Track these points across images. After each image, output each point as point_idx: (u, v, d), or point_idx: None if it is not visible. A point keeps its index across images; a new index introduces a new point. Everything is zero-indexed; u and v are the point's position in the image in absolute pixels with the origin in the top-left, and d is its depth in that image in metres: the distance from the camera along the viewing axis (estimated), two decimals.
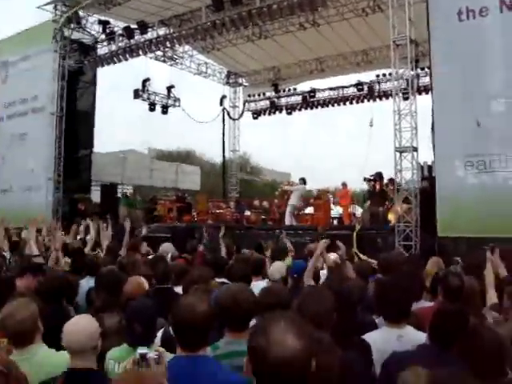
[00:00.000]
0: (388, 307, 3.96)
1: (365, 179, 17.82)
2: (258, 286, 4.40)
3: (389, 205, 16.55)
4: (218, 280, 5.75)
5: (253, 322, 3.55)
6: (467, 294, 4.71)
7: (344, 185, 20.09)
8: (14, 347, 3.45)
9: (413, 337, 3.81)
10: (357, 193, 20.51)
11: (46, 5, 21.76)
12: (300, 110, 28.13)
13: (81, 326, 3.17)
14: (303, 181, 19.56)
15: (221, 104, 28.72)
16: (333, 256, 7.49)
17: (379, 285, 4.27)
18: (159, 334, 3.89)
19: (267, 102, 28.65)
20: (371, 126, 20.15)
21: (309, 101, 27.05)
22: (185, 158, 46.76)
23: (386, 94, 23.74)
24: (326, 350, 2.46)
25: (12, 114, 24.02)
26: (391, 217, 16.07)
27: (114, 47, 22.34)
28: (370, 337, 3.88)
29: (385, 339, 3.81)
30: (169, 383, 2.53)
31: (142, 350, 2.47)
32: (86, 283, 6.01)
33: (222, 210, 22.96)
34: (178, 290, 5.50)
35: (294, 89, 27.76)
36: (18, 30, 24.14)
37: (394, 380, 2.73)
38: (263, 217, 22.10)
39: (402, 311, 3.94)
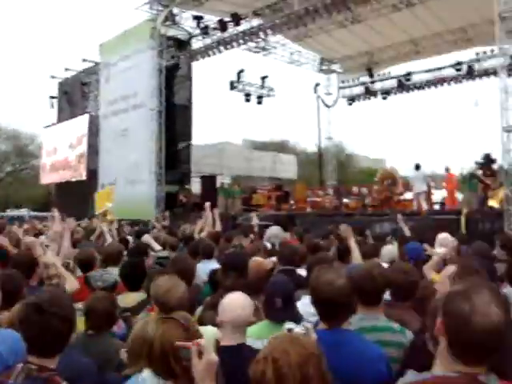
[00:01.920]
0: None
1: (476, 163, 17.24)
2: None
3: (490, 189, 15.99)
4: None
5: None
6: None
7: (447, 170, 19.47)
8: None
9: None
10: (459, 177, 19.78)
11: (142, 5, 22.42)
12: (395, 94, 27.56)
13: (240, 301, 3.23)
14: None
15: (315, 92, 28.63)
16: (444, 235, 7.38)
17: None
18: None
19: (362, 88, 28.31)
20: (476, 106, 19.37)
21: (404, 84, 26.50)
22: (279, 147, 46.96)
23: (487, 73, 22.86)
24: None
25: (115, 111, 25.05)
26: (493, 202, 15.54)
27: (208, 41, 22.80)
28: None
29: None
30: None
31: (289, 324, 2.52)
32: (203, 266, 6.21)
33: (320, 198, 22.91)
34: (300, 271, 5.60)
35: (389, 73, 27.22)
36: (117, 31, 25.26)
37: None
38: (363, 203, 21.85)
39: None
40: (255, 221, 11.84)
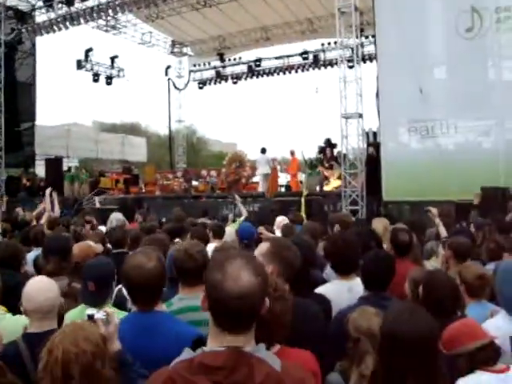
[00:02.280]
0: (338, 261, 4.12)
1: (319, 147, 18.15)
2: (211, 246, 4.46)
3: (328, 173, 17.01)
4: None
5: None
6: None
7: (292, 153, 20.28)
8: None
9: (362, 288, 3.95)
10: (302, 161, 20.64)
11: None
12: (246, 79, 28.07)
13: (43, 287, 3.12)
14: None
15: (166, 74, 28.43)
16: (281, 218, 7.79)
17: (330, 240, 4.43)
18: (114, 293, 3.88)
19: (212, 72, 28.52)
20: (317, 92, 20.35)
21: (254, 70, 27.04)
22: (130, 130, 46.03)
23: (331, 63, 23.96)
24: (280, 294, 2.50)
25: None
26: (328, 187, 16.59)
27: (53, 15, 21.59)
28: (323, 289, 4.04)
29: (337, 291, 3.98)
30: (124, 339, 2.56)
31: (90, 310, 2.50)
32: (33, 254, 5.98)
33: (169, 181, 22.87)
34: None
35: (240, 58, 27.64)
36: None
37: (343, 334, 2.88)
38: (211, 186, 22.17)
39: (352, 264, 4.09)
40: (97, 204, 11.65)
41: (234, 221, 9.47)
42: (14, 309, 3.86)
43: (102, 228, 8.10)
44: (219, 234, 6.79)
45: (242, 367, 1.74)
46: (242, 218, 9.23)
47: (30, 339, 2.96)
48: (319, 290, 4.05)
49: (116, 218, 9.15)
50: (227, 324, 1.80)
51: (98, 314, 2.46)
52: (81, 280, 3.72)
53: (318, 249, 5.87)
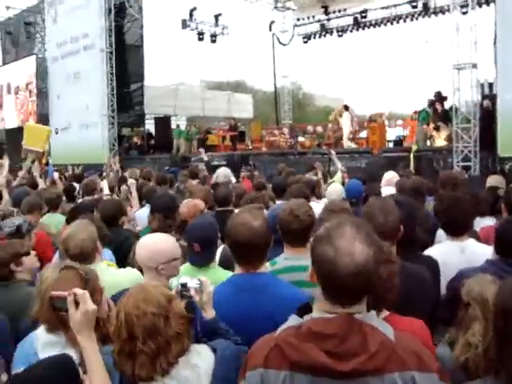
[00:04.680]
0: (451, 220, 3.87)
1: (428, 100, 17.34)
2: (314, 206, 4.33)
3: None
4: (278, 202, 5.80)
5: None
6: None
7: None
8: None
9: (476, 249, 3.76)
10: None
11: None
12: (351, 31, 27.23)
13: (154, 242, 3.09)
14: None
15: (270, 30, 28.14)
16: (390, 175, 7.62)
17: (442, 198, 4.16)
18: (218, 252, 3.87)
19: (317, 25, 27.91)
20: (426, 42, 19.40)
21: (360, 22, 26.14)
22: (236, 87, 46.34)
23: (442, 10, 22.68)
24: (387, 258, 2.37)
25: (65, 53, 24.27)
26: (438, 140, 15.82)
27: None
28: (432, 251, 3.85)
29: (447, 252, 3.76)
30: (228, 301, 2.58)
31: (183, 279, 2.47)
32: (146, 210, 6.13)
33: (275, 137, 22.87)
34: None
35: (345, 10, 26.67)
36: None
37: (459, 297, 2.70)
38: (317, 142, 21.93)
39: (465, 224, 3.85)
40: (205, 158, 11.82)
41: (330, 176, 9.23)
42: (122, 263, 4.00)
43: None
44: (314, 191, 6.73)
45: (354, 335, 1.64)
46: (339, 174, 9.02)
47: None
48: (428, 251, 3.86)
49: (223, 173, 9.17)
50: (340, 299, 1.70)
51: (192, 283, 2.44)
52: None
53: (430, 208, 5.64)
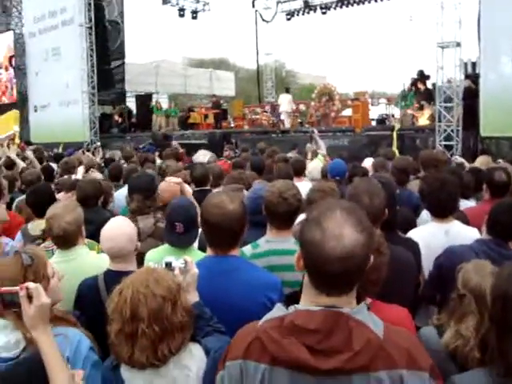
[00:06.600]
0: (436, 203, 3.84)
1: (411, 79, 17.32)
2: (300, 185, 4.24)
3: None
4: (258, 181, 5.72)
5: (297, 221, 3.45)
6: None
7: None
8: (58, 248, 3.48)
9: (461, 231, 3.74)
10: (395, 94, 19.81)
11: None
12: (335, 8, 26.93)
13: (118, 229, 3.09)
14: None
15: (253, 6, 27.84)
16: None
17: (428, 180, 4.12)
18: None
19: (301, 2, 27.57)
20: (411, 20, 19.33)
21: None
22: (218, 64, 46.00)
23: None
24: (378, 246, 2.29)
25: (43, 28, 23.76)
26: (422, 119, 15.78)
27: None
28: (417, 232, 3.83)
29: (432, 234, 3.74)
30: (198, 284, 2.46)
31: (168, 258, 2.39)
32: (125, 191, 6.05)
33: (258, 116, 22.72)
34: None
35: None
36: None
37: (447, 273, 2.68)
38: (300, 120, 21.82)
39: (450, 206, 3.82)
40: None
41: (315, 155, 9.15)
42: None
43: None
44: (299, 171, 6.62)
45: (339, 331, 1.57)
46: (322, 152, 8.93)
47: (109, 276, 3.02)
48: (413, 232, 3.84)
49: (203, 153, 9.08)
50: (327, 286, 1.62)
51: (177, 262, 2.35)
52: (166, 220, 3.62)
53: (411, 187, 5.61)
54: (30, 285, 2.09)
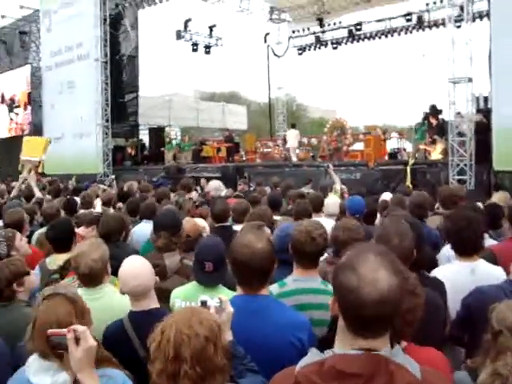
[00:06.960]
0: (463, 241, 3.79)
1: (424, 113, 17.37)
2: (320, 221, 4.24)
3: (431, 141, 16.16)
4: (275, 218, 5.73)
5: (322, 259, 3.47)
6: None
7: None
8: (84, 286, 3.47)
9: (487, 270, 3.71)
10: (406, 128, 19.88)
11: None
12: (346, 44, 27.26)
13: (141, 267, 3.12)
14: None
15: (265, 41, 28.20)
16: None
17: (453, 219, 4.09)
18: None
19: (312, 38, 27.93)
20: (423, 56, 19.47)
21: (355, 34, 26.13)
22: (230, 98, 46.42)
23: (436, 24, 22.72)
24: (413, 288, 2.31)
25: (59, 62, 24.19)
26: (434, 154, 15.76)
27: None
28: (441, 271, 3.79)
29: (458, 273, 3.72)
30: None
31: (203, 297, 2.39)
32: (144, 226, 6.04)
33: (270, 149, 22.84)
34: (237, 228, 5.39)
35: (340, 22, 26.73)
36: None
37: (477, 314, 2.64)
38: (312, 154, 21.91)
39: (475, 244, 3.79)
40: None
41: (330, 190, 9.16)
42: None
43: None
44: (318, 207, 6.56)
45: (380, 375, 1.56)
46: (338, 187, 8.96)
47: (134, 317, 3.03)
48: (437, 271, 3.80)
49: (214, 186, 9.09)
50: (363, 329, 1.62)
51: (212, 301, 2.35)
52: (193, 258, 3.60)
53: (429, 223, 5.59)
54: (78, 327, 2.10)
